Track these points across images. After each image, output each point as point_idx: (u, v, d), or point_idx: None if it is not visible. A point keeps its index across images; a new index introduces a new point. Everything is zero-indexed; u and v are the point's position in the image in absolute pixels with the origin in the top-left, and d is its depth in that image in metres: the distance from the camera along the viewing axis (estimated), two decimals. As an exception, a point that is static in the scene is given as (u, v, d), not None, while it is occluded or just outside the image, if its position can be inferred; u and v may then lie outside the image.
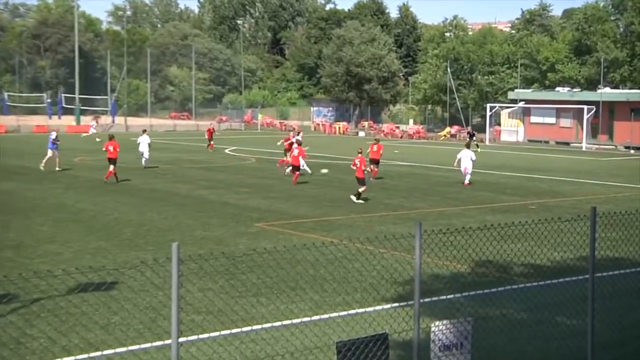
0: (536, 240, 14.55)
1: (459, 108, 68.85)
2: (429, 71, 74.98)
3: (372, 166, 30.22)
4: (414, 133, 65.93)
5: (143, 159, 33.66)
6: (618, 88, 62.80)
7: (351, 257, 14.59)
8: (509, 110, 63.61)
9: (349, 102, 79.66)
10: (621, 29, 66.40)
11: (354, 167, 24.60)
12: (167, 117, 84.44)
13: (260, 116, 79.32)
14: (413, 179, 31.68)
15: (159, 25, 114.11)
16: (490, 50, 72.35)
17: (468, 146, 30.47)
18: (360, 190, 23.96)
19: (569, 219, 10.73)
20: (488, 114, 61.80)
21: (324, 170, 32.19)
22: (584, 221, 10.52)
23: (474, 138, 49.85)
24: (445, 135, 65.13)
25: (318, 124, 75.94)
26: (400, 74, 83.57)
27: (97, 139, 51.40)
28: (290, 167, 29.96)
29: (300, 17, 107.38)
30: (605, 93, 56.73)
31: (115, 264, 13.68)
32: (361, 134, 69.99)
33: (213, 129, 48.20)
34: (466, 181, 28.98)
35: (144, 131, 35.19)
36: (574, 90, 61.28)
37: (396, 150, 49.29)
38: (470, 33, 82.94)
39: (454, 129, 66.22)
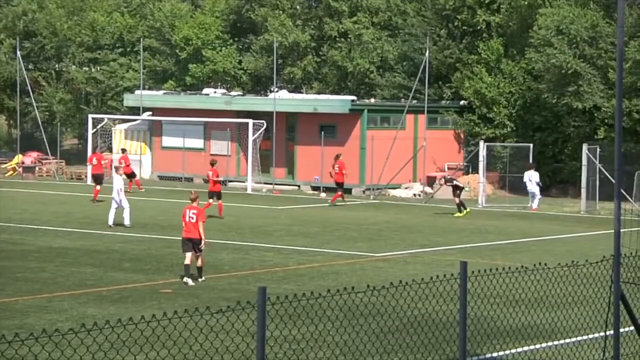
0: (171, 347, 14.94)
1: (39, 121, 68.65)
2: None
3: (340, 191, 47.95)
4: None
5: None
6: (300, 90, 66.80)
7: None
8: (127, 125, 64.77)
9: None
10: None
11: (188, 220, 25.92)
12: None
13: None
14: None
15: None
16: (92, 23, 73.37)
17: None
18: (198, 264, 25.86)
19: (223, 309, 11.18)
20: (90, 131, 62.35)
21: None
22: (248, 311, 11.02)
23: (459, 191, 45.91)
24: (14, 169, 64.53)
25: None
26: None
27: None
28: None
29: None
30: (282, 100, 59.62)
31: None
32: None
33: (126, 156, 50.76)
34: (534, 205, 46.85)
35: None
36: (233, 93, 63.79)
37: None
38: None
39: (31, 158, 65.86)
